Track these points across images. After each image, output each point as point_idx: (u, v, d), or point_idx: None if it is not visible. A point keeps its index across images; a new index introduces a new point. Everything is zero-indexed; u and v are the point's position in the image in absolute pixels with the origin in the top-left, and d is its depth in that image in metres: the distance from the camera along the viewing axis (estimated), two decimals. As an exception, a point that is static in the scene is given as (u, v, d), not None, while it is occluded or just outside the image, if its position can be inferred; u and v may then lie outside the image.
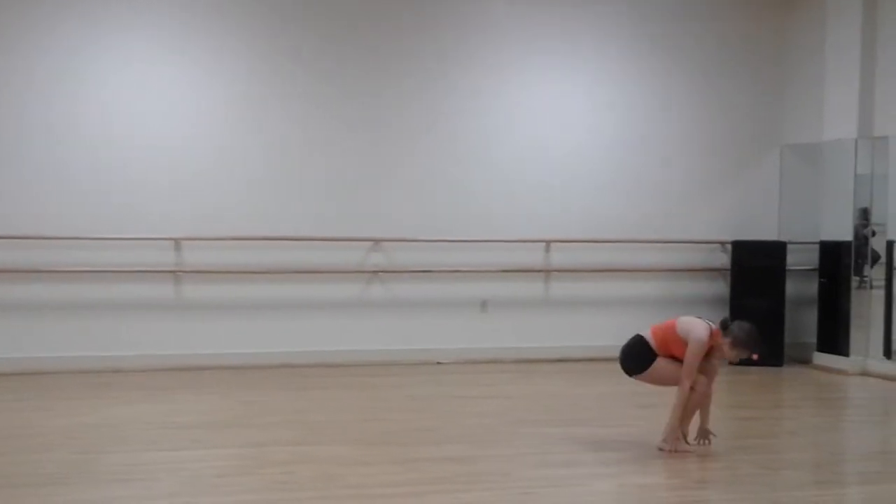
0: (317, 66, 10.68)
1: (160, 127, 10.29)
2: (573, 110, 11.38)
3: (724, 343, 7.02)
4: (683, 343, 7.00)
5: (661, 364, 7.12)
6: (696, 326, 7.05)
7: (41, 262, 9.94)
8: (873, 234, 10.80)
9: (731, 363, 7.16)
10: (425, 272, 10.84)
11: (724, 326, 7.07)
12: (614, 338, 11.21)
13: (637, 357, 7.21)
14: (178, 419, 7.96)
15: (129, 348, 10.15)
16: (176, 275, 10.32)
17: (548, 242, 11.16)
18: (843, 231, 10.87)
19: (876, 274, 10.81)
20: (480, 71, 11.09)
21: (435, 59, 10.98)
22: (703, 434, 7.15)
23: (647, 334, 7.24)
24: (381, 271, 10.80)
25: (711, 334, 7.01)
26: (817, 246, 11.20)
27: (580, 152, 11.32)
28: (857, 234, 10.81)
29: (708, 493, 6.13)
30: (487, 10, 11.10)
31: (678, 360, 7.03)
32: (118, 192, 10.15)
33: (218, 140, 10.47)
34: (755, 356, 7.19)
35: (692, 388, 7.01)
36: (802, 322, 11.43)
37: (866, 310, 10.77)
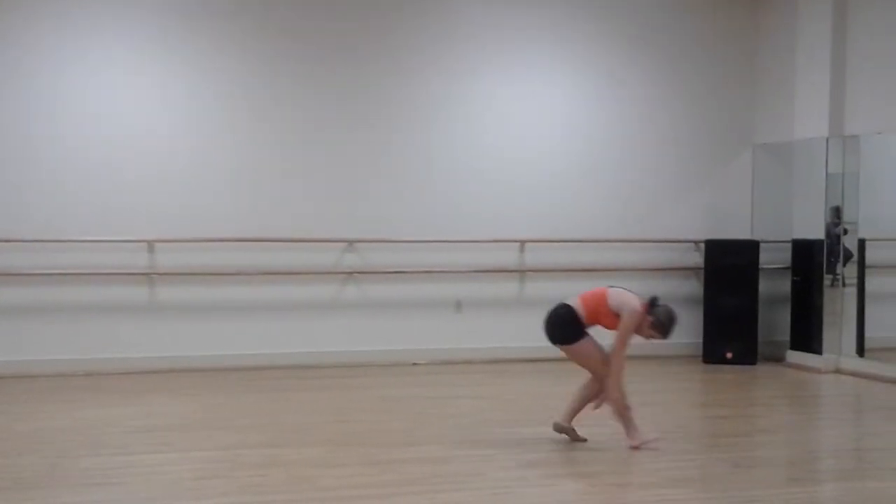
0: (292, 68, 10.66)
1: (133, 128, 10.24)
2: (547, 111, 11.39)
3: (646, 321, 7.08)
4: (615, 316, 7.06)
5: (588, 346, 7.20)
6: (631, 299, 7.12)
7: (12, 265, 9.87)
8: (845, 232, 10.86)
9: (643, 338, 7.20)
10: (400, 273, 10.83)
11: (652, 304, 7.11)
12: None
13: (566, 327, 7.22)
14: (152, 422, 7.92)
15: (103, 351, 10.09)
16: (149, 277, 10.28)
17: (522, 242, 11.17)
18: (815, 229, 10.92)
19: (848, 272, 10.89)
20: (454, 72, 11.08)
21: (410, 60, 10.97)
22: (561, 430, 7.25)
23: (576, 303, 7.22)
24: (356, 272, 10.78)
25: (641, 310, 7.05)
26: (790, 244, 11.25)
27: (553, 153, 11.34)
28: (828, 233, 10.87)
29: (681, 491, 6.14)
30: (463, 11, 11.09)
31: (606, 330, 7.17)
32: (90, 193, 10.10)
33: (190, 141, 10.42)
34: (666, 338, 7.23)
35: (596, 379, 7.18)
36: (776, 320, 11.48)
37: (839, 308, 10.83)
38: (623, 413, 7.10)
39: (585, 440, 7.21)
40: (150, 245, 10.27)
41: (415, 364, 10.74)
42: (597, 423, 7.96)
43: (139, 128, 10.27)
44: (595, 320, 7.18)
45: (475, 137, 11.13)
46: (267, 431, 7.59)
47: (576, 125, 11.47)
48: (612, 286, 7.28)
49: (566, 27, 11.43)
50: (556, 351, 10.84)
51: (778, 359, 11.25)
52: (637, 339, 7.19)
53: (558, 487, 6.22)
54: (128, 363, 10.09)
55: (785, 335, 11.26)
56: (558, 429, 7.26)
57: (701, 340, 11.31)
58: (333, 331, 10.71)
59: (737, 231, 11.74)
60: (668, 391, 9.80)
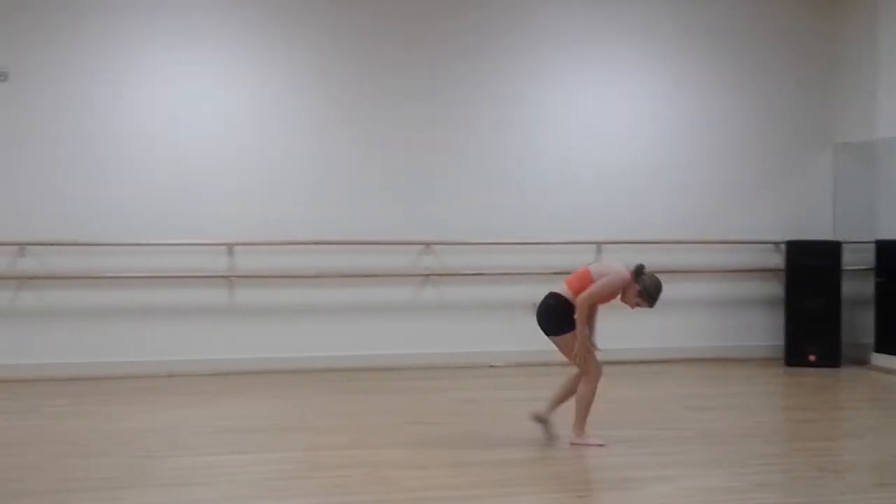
0: (370, 71, 10.73)
1: (214, 132, 10.39)
2: (623, 111, 11.33)
3: (632, 289, 7.06)
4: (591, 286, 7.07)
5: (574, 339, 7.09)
6: (615, 266, 7.17)
7: (96, 269, 10.05)
8: (931, 232, 10.64)
9: (630, 307, 7.19)
10: (477, 275, 10.83)
11: (639, 273, 7.10)
12: (666, 340, 11.31)
13: (551, 317, 7.17)
14: (234, 423, 7.99)
15: (183, 353, 10.23)
16: (229, 279, 10.39)
17: (599, 244, 11.10)
18: (899, 230, 10.74)
19: (934, 273, 10.67)
20: (529, 75, 11.07)
21: (484, 64, 10.98)
22: (538, 419, 7.28)
23: (564, 289, 7.15)
24: (433, 274, 10.80)
25: (628, 277, 7.05)
26: (873, 245, 11.04)
27: (631, 154, 11.27)
28: (914, 233, 10.66)
29: (767, 496, 6.04)
30: (543, 14, 11.06)
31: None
32: (171, 197, 10.25)
33: (270, 145, 10.53)
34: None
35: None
36: (859, 322, 11.27)
37: (924, 309, 10.63)
38: (587, 356, 7.06)
39: (557, 437, 7.21)
40: (230, 248, 10.39)
41: (492, 366, 10.73)
42: (677, 425, 7.90)
43: (220, 132, 10.40)
44: None
45: (552, 139, 11.09)
46: (347, 433, 7.63)
47: (653, 126, 11.38)
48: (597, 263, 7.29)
49: (642, 26, 11.35)
50: (634, 353, 10.87)
51: (862, 361, 11.05)
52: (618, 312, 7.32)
53: (641, 491, 6.15)
54: (208, 365, 10.21)
55: (869, 337, 11.06)
56: (535, 418, 7.29)
57: (783, 343, 11.15)
58: (411, 333, 10.74)
59: (818, 232, 11.56)
60: (750, 394, 9.67)
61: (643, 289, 7.10)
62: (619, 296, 7.15)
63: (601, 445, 7.07)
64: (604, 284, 7.04)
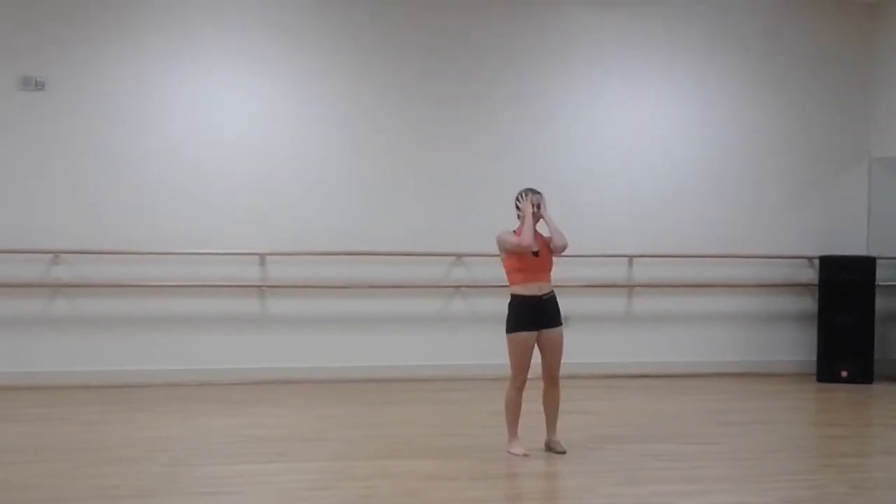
0: (401, 82, 10.78)
1: (246, 143, 10.45)
2: (656, 125, 11.30)
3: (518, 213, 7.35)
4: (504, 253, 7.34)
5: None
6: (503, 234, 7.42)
7: (129, 277, 10.14)
8: (966, 248, 10.55)
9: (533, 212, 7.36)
10: (506, 287, 10.78)
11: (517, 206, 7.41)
12: (697, 354, 11.26)
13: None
14: (262, 432, 8.03)
15: (215, 362, 10.30)
16: (260, 289, 10.44)
17: (630, 257, 11.07)
18: (934, 245, 10.65)
19: (969, 289, 10.57)
20: (563, 87, 11.09)
21: (519, 78, 10.99)
22: (550, 446, 7.34)
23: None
24: (463, 286, 10.81)
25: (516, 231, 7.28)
26: (908, 261, 10.98)
27: (664, 168, 11.24)
28: (949, 249, 10.57)
29: (797, 512, 6.01)
30: (578, 24, 11.09)
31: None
32: (203, 207, 10.32)
33: (302, 156, 10.58)
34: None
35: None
36: (893, 338, 11.19)
37: (959, 326, 10.53)
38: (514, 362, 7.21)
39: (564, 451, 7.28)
40: (262, 258, 10.44)
41: (522, 379, 10.69)
42: (706, 440, 7.86)
43: (252, 143, 10.47)
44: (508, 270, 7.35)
45: (585, 154, 11.08)
46: (376, 443, 7.64)
47: (686, 139, 11.35)
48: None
49: (676, 40, 11.33)
50: (664, 367, 10.82)
51: (895, 378, 10.94)
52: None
53: (670, 505, 6.13)
54: (238, 374, 10.26)
55: (902, 354, 10.99)
56: (548, 449, 7.39)
57: (815, 359, 11.07)
58: (440, 344, 10.76)
59: (852, 247, 11.48)
60: (781, 410, 9.59)
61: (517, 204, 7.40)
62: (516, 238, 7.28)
63: (527, 456, 7.18)
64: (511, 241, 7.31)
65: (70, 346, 10.07)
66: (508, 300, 7.37)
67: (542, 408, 7.48)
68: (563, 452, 7.25)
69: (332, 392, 9.88)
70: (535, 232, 7.34)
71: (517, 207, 7.44)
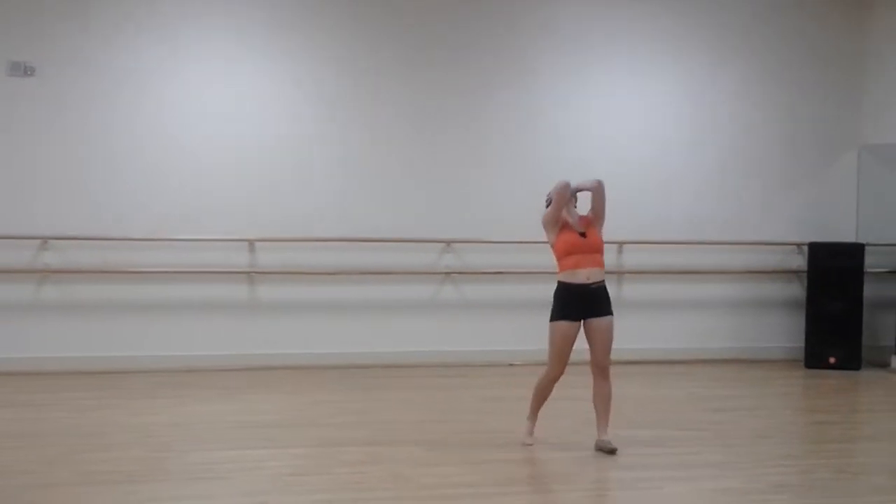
0: (394, 69, 10.74)
1: (236, 129, 10.42)
2: (646, 112, 11.30)
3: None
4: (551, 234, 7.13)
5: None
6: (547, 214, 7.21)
7: (118, 263, 10.12)
8: (954, 235, 10.59)
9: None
10: (497, 273, 10.84)
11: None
12: (686, 340, 11.29)
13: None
14: (252, 418, 8.05)
15: (205, 348, 10.29)
16: (250, 275, 10.44)
17: (620, 244, 11.08)
18: (923, 232, 10.69)
19: (957, 276, 10.62)
20: (552, 76, 11.07)
21: (507, 64, 10.97)
22: (599, 446, 7.01)
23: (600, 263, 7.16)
24: (454, 272, 10.82)
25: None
26: (896, 248, 11.02)
27: (654, 154, 11.24)
28: (937, 236, 10.61)
29: (785, 497, 6.04)
30: (567, 13, 11.06)
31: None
32: (192, 193, 10.29)
33: (291, 142, 10.56)
34: None
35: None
36: (881, 325, 11.23)
37: (947, 313, 10.58)
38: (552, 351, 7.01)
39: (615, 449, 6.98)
40: (251, 244, 10.44)
41: (511, 365, 10.73)
42: (695, 427, 7.90)
43: (243, 129, 10.43)
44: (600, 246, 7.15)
45: (574, 140, 11.07)
46: (366, 429, 7.65)
47: (676, 126, 11.36)
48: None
49: (667, 27, 11.32)
50: (653, 354, 10.85)
51: (883, 364, 11.00)
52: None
53: (657, 491, 6.16)
54: (228, 360, 10.26)
55: (890, 340, 11.02)
56: (599, 449, 7.01)
57: (803, 345, 11.11)
58: (430, 331, 10.77)
59: (841, 234, 11.51)
60: (769, 396, 9.64)
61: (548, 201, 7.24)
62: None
63: (530, 445, 7.08)
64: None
65: (59, 333, 10.05)
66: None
67: (552, 395, 7.27)
68: (614, 452, 6.86)
69: (322, 378, 9.89)
70: (579, 214, 7.15)
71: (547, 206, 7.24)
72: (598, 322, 6.98)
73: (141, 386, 9.38)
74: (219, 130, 10.38)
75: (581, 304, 6.93)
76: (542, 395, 7.15)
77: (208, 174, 10.34)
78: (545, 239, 7.31)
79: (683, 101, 11.41)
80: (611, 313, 7.05)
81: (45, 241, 10.03)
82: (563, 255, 7.01)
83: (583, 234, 7.00)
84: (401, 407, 8.65)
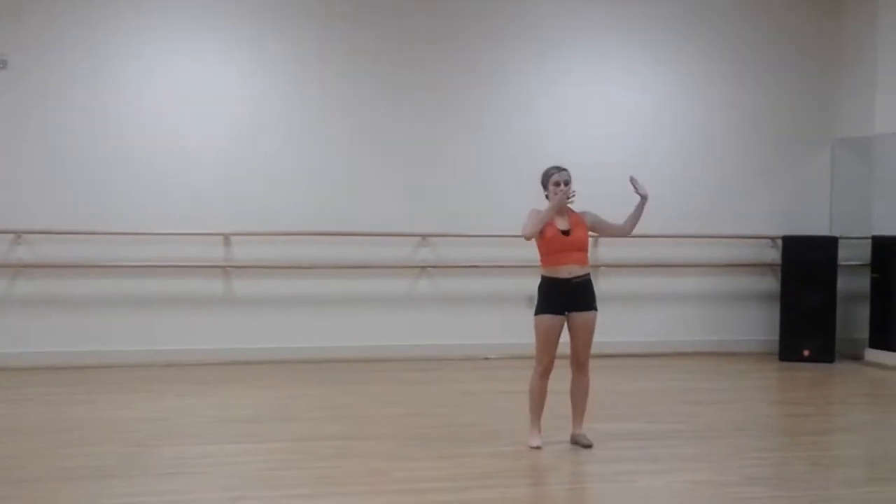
0: (369, 66, 10.73)
1: (211, 124, 10.39)
2: (621, 106, 11.32)
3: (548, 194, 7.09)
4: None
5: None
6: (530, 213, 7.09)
7: (92, 257, 10.07)
8: (927, 228, 10.66)
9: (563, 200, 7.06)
10: (472, 267, 10.85)
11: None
12: (661, 334, 11.34)
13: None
14: (229, 413, 8.02)
15: (179, 342, 10.26)
16: (225, 269, 10.41)
17: (596, 238, 11.09)
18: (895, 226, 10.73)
19: (929, 269, 10.68)
20: (527, 70, 11.08)
21: (483, 58, 10.99)
22: (575, 440, 7.02)
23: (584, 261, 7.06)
24: (429, 266, 10.81)
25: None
26: (869, 241, 11.06)
27: (628, 148, 11.23)
28: (910, 229, 10.67)
29: (759, 489, 6.06)
30: (537, 5, 11.06)
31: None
32: (169, 188, 10.26)
33: (266, 136, 10.53)
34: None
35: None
36: (854, 318, 11.30)
37: (920, 305, 10.64)
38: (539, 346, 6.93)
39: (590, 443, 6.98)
40: (226, 238, 10.40)
41: (487, 358, 10.75)
42: (670, 419, 7.93)
43: (218, 123, 10.41)
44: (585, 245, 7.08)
45: (550, 134, 11.08)
46: (341, 423, 7.65)
47: (650, 121, 11.39)
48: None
49: (641, 22, 11.35)
50: (629, 347, 10.89)
51: (856, 357, 11.07)
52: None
53: (634, 484, 6.17)
54: (204, 354, 10.23)
55: (864, 333, 11.08)
56: (574, 443, 7.03)
57: (778, 338, 11.17)
58: (406, 324, 10.77)
59: (815, 227, 11.57)
60: (743, 389, 9.68)
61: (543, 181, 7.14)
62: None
63: (539, 448, 6.91)
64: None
65: (33, 328, 9.99)
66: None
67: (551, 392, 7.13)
68: (590, 446, 6.88)
69: (298, 373, 9.88)
70: (568, 210, 7.09)
71: (544, 187, 7.15)
72: (580, 316, 6.95)
73: (116, 381, 9.34)
74: (194, 125, 10.35)
75: (564, 297, 6.90)
76: (537, 394, 7.01)
77: (183, 168, 10.30)
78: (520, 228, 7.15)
79: (657, 97, 11.44)
80: (594, 308, 7.02)
81: (18, 235, 9.97)
82: (545, 251, 7.00)
83: (566, 233, 6.98)
84: (376, 401, 8.64)
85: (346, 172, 10.68)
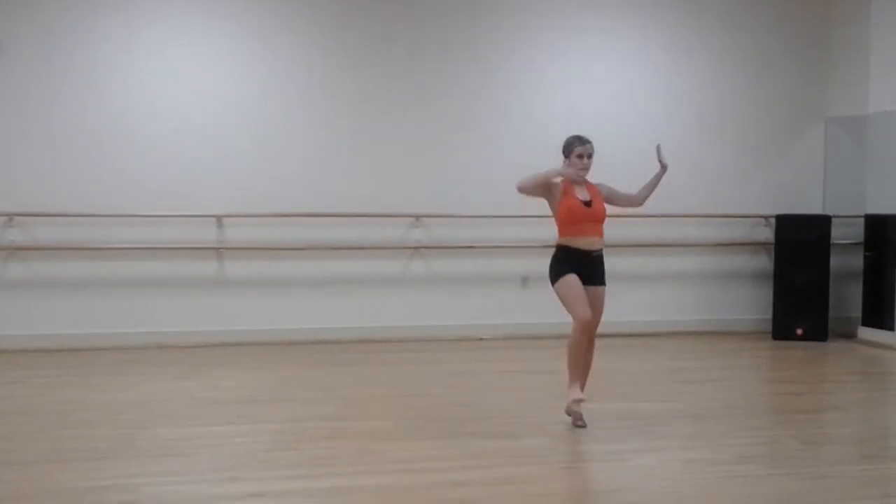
0: (357, 45, 10.69)
1: (203, 105, 10.35)
2: (614, 86, 11.31)
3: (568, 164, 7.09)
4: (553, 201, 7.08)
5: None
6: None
7: (85, 240, 10.05)
8: (920, 207, 10.67)
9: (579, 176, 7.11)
10: (466, 248, 10.84)
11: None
12: (655, 313, 11.35)
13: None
14: (221, 394, 8.02)
15: (173, 324, 10.25)
16: (218, 251, 10.39)
17: (589, 217, 11.08)
18: (889, 204, 10.73)
19: (922, 247, 10.70)
20: (520, 50, 11.06)
21: (475, 38, 10.96)
22: (569, 411, 7.02)
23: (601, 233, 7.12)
24: (423, 247, 10.81)
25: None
26: (862, 220, 11.07)
27: (622, 128, 11.23)
28: (903, 208, 10.68)
29: (752, 467, 6.08)
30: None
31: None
32: (161, 169, 10.23)
33: (259, 117, 10.50)
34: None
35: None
36: (847, 296, 11.32)
37: (912, 284, 10.65)
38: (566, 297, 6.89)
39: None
40: (219, 220, 10.38)
41: (481, 339, 10.76)
42: (664, 398, 7.94)
43: (208, 103, 10.37)
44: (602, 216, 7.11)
45: (543, 113, 11.06)
46: (335, 404, 7.66)
47: (644, 100, 11.37)
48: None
49: (636, 4, 11.33)
50: (623, 327, 10.89)
51: (849, 335, 11.10)
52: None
53: (627, 463, 6.18)
54: (197, 336, 10.23)
55: (857, 311, 11.11)
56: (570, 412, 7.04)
57: (771, 316, 11.20)
58: (400, 305, 10.77)
59: (808, 206, 11.59)
60: (737, 367, 9.70)
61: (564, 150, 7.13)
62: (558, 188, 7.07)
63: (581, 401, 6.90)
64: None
65: (25, 310, 9.99)
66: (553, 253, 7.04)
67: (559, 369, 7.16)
68: (583, 426, 6.86)
69: (291, 354, 9.88)
70: (586, 182, 7.10)
71: (565, 156, 7.13)
72: (593, 290, 6.98)
73: (108, 363, 9.34)
74: (186, 107, 10.32)
75: (580, 269, 6.91)
76: (575, 352, 6.90)
77: (176, 149, 10.28)
78: (523, 195, 7.17)
79: (651, 77, 11.43)
80: (604, 283, 7.07)
81: (10, 217, 9.94)
82: (565, 222, 6.99)
83: (587, 203, 6.97)
84: (370, 382, 8.65)
85: (338, 154, 10.65)
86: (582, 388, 7.03)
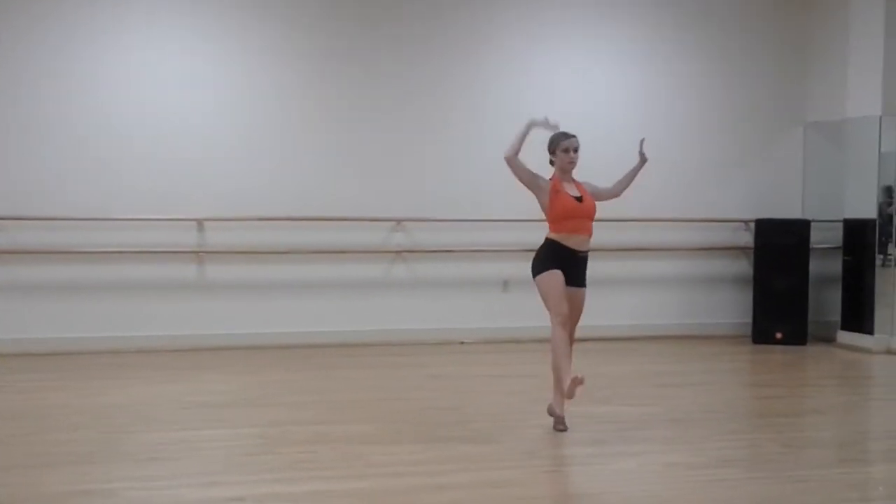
0: (338, 48, 10.69)
1: (182, 108, 10.33)
2: (595, 89, 11.34)
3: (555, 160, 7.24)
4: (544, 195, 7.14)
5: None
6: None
7: (65, 244, 10.01)
8: (898, 211, 10.75)
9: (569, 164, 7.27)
10: (447, 252, 10.86)
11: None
12: (635, 317, 11.38)
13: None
14: (202, 399, 8.01)
15: (153, 328, 10.23)
16: (198, 255, 10.37)
17: (570, 221, 11.11)
18: (867, 209, 10.80)
19: (900, 252, 10.77)
20: (500, 53, 11.09)
21: (455, 42, 10.98)
22: (551, 412, 7.04)
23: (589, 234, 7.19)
24: (404, 251, 10.82)
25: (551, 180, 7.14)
26: (841, 224, 11.13)
27: (602, 132, 11.22)
28: (881, 212, 10.75)
29: (731, 471, 6.12)
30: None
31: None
32: (140, 173, 10.20)
33: (240, 121, 10.49)
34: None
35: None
36: (826, 300, 11.38)
37: (891, 288, 10.70)
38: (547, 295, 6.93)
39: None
40: (200, 223, 10.37)
41: (462, 343, 10.78)
42: (644, 402, 7.98)
43: (188, 107, 10.35)
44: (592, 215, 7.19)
45: (521, 117, 11.04)
46: (316, 408, 7.66)
47: (624, 104, 11.41)
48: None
49: (616, 4, 11.36)
50: (602, 331, 10.92)
51: (828, 339, 11.16)
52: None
53: (607, 466, 6.22)
54: (178, 341, 10.20)
55: (836, 315, 11.16)
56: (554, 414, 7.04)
57: (751, 320, 11.26)
58: (381, 309, 10.77)
59: (787, 210, 11.65)
60: (717, 371, 9.76)
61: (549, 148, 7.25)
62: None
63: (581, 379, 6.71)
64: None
65: (6, 314, 9.93)
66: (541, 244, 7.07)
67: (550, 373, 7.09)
68: (564, 430, 6.91)
69: (272, 358, 9.87)
70: (574, 180, 7.19)
71: (551, 153, 7.28)
72: (574, 291, 7.02)
73: (90, 367, 9.31)
74: (166, 109, 10.28)
75: (566, 267, 6.95)
76: (560, 347, 6.87)
77: (155, 153, 10.24)
78: (517, 181, 7.25)
79: (631, 81, 11.47)
80: (585, 286, 7.13)
81: (-10, 221, 9.91)
82: (559, 217, 7.02)
83: (579, 199, 7.01)
84: (352, 386, 8.65)
85: (319, 158, 10.65)
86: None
